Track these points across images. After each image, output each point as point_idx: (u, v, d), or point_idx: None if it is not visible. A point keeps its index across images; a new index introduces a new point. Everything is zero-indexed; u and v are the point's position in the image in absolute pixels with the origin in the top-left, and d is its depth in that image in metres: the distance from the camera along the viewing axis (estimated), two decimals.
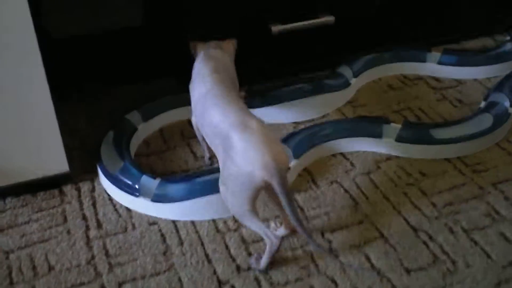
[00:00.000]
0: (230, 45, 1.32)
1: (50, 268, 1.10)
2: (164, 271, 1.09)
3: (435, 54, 1.60)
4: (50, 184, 1.27)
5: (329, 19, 1.52)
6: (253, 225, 1.05)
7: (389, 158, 1.33)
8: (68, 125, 1.43)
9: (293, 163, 1.27)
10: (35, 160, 1.23)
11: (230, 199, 1.04)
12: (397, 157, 1.33)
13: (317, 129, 1.35)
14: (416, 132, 1.34)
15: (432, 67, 1.59)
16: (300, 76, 1.58)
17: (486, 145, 1.35)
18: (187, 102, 1.26)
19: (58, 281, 1.08)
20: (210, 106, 1.10)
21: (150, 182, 1.21)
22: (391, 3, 1.59)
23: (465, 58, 1.60)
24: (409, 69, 1.61)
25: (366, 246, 1.12)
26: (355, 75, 1.53)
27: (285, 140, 1.31)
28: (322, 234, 1.15)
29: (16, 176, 1.23)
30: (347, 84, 1.51)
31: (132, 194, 1.21)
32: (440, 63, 1.59)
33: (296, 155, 1.28)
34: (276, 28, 1.49)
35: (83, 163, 1.32)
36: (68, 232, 1.18)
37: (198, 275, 1.08)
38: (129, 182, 1.21)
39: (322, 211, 1.20)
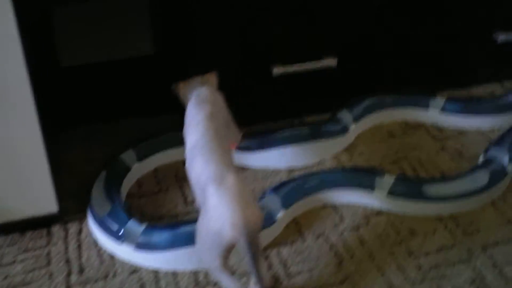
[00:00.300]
0: (214, 79, 1.31)
1: None
2: None
3: (439, 100, 1.57)
4: (39, 223, 1.28)
5: (332, 62, 1.52)
6: (223, 281, 1.05)
7: (380, 212, 1.31)
8: (64, 162, 1.45)
9: (281, 213, 1.26)
10: (24, 199, 1.24)
11: (202, 252, 1.03)
12: (388, 211, 1.31)
13: (309, 178, 1.34)
14: (409, 187, 1.31)
15: (435, 114, 1.56)
16: (303, 118, 1.58)
17: (480, 204, 1.32)
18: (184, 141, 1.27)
19: None
20: (196, 155, 1.10)
21: (136, 228, 1.21)
22: (396, 44, 1.57)
23: (470, 106, 1.56)
24: (411, 115, 1.58)
25: None
26: (355, 120, 1.52)
27: (276, 189, 1.30)
28: None
29: (6, 214, 1.25)
30: (345, 130, 1.49)
31: (116, 240, 1.21)
32: (443, 110, 1.56)
33: (285, 205, 1.27)
34: (278, 70, 1.49)
35: (75, 203, 1.33)
36: (50, 276, 1.19)
37: None
38: (115, 227, 1.22)
39: (305, 268, 1.19)
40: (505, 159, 1.36)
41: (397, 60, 1.60)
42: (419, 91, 1.60)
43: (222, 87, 1.31)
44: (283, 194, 1.29)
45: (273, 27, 1.45)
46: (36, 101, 1.15)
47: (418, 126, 1.57)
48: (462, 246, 1.23)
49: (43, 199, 1.25)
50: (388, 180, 1.32)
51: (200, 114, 1.16)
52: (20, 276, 1.19)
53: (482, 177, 1.33)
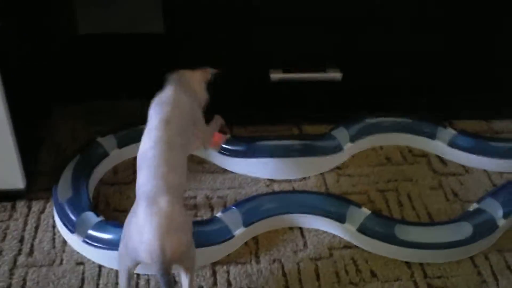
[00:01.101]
0: (204, 75, 1.24)
1: None
2: None
3: (449, 132, 1.45)
4: (4, 196, 1.29)
5: (337, 75, 1.43)
6: (120, 283, 1.03)
7: (348, 246, 1.24)
8: (53, 137, 1.46)
9: (240, 230, 1.21)
10: None
11: (119, 250, 1.01)
12: (356, 247, 1.24)
13: (278, 198, 1.28)
14: (380, 226, 1.23)
15: (441, 146, 1.45)
16: (301, 125, 1.51)
17: (458, 257, 1.22)
18: None
19: None
20: (142, 166, 1.05)
21: (90, 220, 1.20)
22: (413, 60, 1.46)
23: (481, 145, 1.44)
24: (416, 143, 1.47)
25: None
26: (352, 140, 1.43)
27: (239, 205, 1.25)
28: None
29: None
30: (339, 149, 1.41)
31: (69, 228, 1.20)
32: (451, 144, 1.44)
33: (246, 223, 1.22)
34: (276, 76, 1.42)
35: (46, 181, 1.34)
36: (0, 253, 1.20)
37: None
38: (70, 215, 1.21)
39: None
40: (498, 213, 1.25)
41: (410, 78, 1.49)
42: (428, 117, 1.48)
43: (219, 84, 1.26)
44: (245, 210, 1.24)
45: (278, 32, 1.38)
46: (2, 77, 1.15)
47: (421, 155, 1.46)
48: None
49: (9, 174, 1.26)
50: (360, 215, 1.24)
51: (156, 118, 1.09)
52: None
53: (465, 229, 1.22)
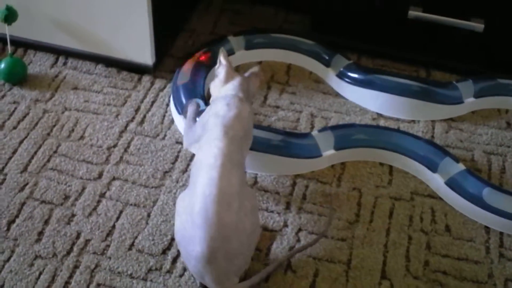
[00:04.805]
0: (254, 81, 1.21)
1: (81, 137, 1.29)
2: (152, 187, 1.21)
3: None
4: (134, 69, 1.42)
5: (479, 26, 1.36)
6: None
7: (431, 196, 1.22)
8: (189, 28, 1.56)
9: (329, 152, 1.25)
10: (126, 43, 1.39)
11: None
12: (441, 199, 1.21)
13: (376, 132, 1.28)
14: (470, 185, 1.18)
15: None
16: (429, 70, 1.47)
17: None
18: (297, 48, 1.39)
19: (76, 151, 1.27)
20: (202, 169, 1.03)
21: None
22: None
23: None
24: None
25: None
26: (476, 95, 1.37)
27: (334, 128, 1.28)
28: None
29: (110, 50, 1.41)
30: (459, 101, 1.36)
31: (177, 110, 1.31)
32: None
33: (337, 147, 1.25)
34: (414, 13, 1.38)
35: (174, 63, 1.44)
36: (117, 116, 1.34)
37: (170, 208, 1.18)
38: (182, 98, 1.31)
39: (317, 210, 1.19)
40: None
41: None
42: None
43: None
44: (339, 135, 1.26)
45: None
46: None
47: None
48: None
49: (141, 49, 1.38)
50: (453, 169, 1.21)
51: (219, 128, 1.07)
52: (97, 105, 1.36)
53: None
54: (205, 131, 1.09)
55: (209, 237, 0.97)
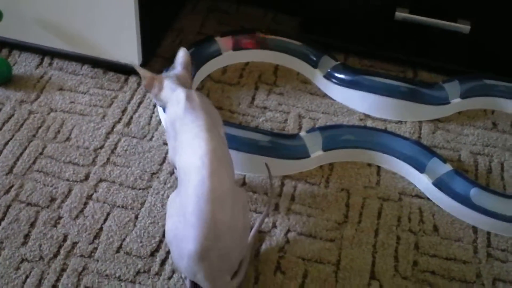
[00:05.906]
0: (186, 67, 1.19)
1: (67, 139, 1.28)
2: (139, 189, 1.20)
3: None
4: (120, 69, 1.41)
5: (465, 27, 1.36)
6: None
7: (419, 196, 1.23)
8: (176, 28, 1.56)
9: (317, 153, 1.24)
10: (113, 44, 1.37)
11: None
12: (428, 200, 1.22)
13: (364, 132, 1.28)
14: (457, 185, 1.19)
15: None
16: (416, 70, 1.48)
17: None
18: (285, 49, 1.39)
19: (62, 152, 1.25)
20: (194, 176, 1.00)
21: None
22: None
23: None
24: None
25: None
26: (462, 96, 1.37)
27: (323, 129, 1.28)
28: None
29: (96, 50, 1.39)
30: (445, 102, 1.36)
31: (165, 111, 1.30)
32: None
33: (325, 148, 1.25)
34: (401, 14, 1.39)
35: (161, 63, 1.44)
36: (103, 117, 1.33)
37: (158, 210, 1.17)
38: None
39: (306, 211, 1.19)
40: None
41: None
42: None
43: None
44: (327, 135, 1.26)
45: None
46: None
47: None
48: None
49: (128, 49, 1.37)
50: (441, 169, 1.21)
51: (199, 124, 1.05)
52: (83, 106, 1.35)
53: None
54: (177, 139, 1.07)
55: (203, 235, 0.96)
